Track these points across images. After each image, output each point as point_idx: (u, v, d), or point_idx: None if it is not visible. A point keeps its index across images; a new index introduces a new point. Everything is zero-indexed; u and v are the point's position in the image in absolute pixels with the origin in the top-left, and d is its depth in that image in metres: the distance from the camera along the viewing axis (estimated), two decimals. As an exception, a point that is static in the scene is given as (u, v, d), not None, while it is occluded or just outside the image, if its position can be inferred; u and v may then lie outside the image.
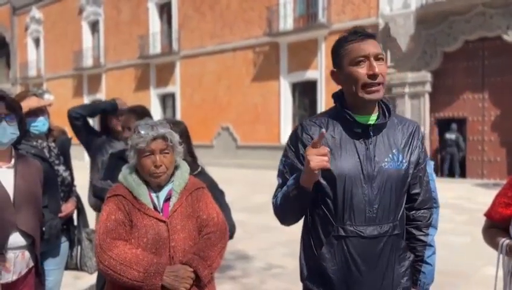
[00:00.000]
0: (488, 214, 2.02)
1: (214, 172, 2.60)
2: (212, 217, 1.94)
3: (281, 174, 1.71)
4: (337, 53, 1.62)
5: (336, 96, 1.68)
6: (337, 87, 1.69)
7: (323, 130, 1.48)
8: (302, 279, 1.74)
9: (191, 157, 2.41)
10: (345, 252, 1.59)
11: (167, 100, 20.73)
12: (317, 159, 1.44)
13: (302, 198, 1.58)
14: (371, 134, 1.60)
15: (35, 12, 26.10)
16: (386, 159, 1.59)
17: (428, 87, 13.27)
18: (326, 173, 1.56)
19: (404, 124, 1.68)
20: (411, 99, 13.44)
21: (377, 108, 1.65)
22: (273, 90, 16.53)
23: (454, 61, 13.07)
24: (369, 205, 1.58)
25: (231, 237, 2.28)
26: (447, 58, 13.11)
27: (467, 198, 9.61)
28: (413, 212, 1.70)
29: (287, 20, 16.07)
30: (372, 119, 1.62)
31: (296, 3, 16.31)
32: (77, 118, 3.27)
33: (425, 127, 13.29)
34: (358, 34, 1.58)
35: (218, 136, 18.23)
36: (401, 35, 13.36)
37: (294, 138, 1.68)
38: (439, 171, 13.57)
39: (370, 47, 1.56)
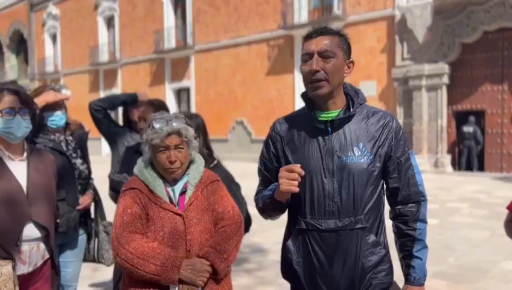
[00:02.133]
0: (510, 207, 1.97)
1: (228, 166, 2.59)
2: (228, 210, 1.94)
3: (259, 171, 1.83)
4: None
5: (305, 94, 1.72)
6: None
7: (303, 172, 1.55)
8: (282, 275, 1.83)
9: (207, 151, 2.41)
10: (307, 245, 1.65)
11: (182, 95, 20.81)
12: (287, 182, 1.54)
13: (278, 207, 1.70)
14: (329, 130, 1.64)
15: (52, 9, 26.40)
16: (349, 154, 1.61)
17: (445, 80, 13.03)
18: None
19: (375, 116, 1.68)
20: (428, 92, 13.23)
21: (343, 102, 1.68)
22: (287, 84, 16.46)
23: (473, 52, 12.81)
24: (329, 198, 1.61)
25: (247, 230, 2.28)
26: (465, 50, 12.86)
27: (486, 192, 9.45)
28: (400, 207, 1.70)
29: (301, 13, 15.94)
30: (332, 115, 1.65)
31: (311, -5, 16.18)
32: (98, 110, 3.30)
33: (443, 120, 13.09)
34: (313, 32, 1.63)
35: (233, 130, 18.25)
36: (418, 26, 13.13)
37: (268, 136, 1.79)
38: (457, 165, 13.38)
39: (314, 45, 1.60)
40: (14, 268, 1.89)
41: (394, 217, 1.72)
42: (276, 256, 5.20)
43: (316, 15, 15.92)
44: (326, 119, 1.64)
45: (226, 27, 18.25)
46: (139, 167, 1.92)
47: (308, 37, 1.64)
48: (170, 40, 20.32)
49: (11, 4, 29.49)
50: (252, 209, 2.46)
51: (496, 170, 12.77)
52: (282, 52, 16.64)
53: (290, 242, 1.71)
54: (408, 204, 1.69)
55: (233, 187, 2.34)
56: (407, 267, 1.70)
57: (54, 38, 27.11)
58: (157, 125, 1.82)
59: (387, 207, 1.74)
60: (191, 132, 1.89)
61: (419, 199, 1.69)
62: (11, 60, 30.71)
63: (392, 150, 1.66)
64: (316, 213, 1.62)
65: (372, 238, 1.65)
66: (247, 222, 2.27)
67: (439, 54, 13.06)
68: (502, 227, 1.93)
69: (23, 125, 2.00)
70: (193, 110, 19.10)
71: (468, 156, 13.17)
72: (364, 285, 1.64)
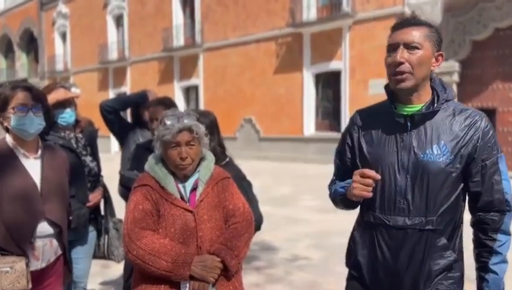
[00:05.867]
0: None
1: (239, 164, 2.59)
2: (238, 207, 1.93)
3: (334, 162, 1.81)
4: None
5: (387, 86, 1.67)
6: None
7: (378, 177, 1.54)
8: (346, 262, 1.82)
9: (220, 148, 2.40)
10: (373, 238, 1.63)
11: (191, 93, 20.85)
12: (360, 187, 1.53)
13: (349, 205, 1.70)
14: (409, 125, 1.58)
15: (62, 7, 26.58)
16: (426, 151, 1.54)
17: (456, 77, 12.91)
18: (364, 161, 1.65)
19: (462, 115, 1.59)
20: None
21: (428, 96, 1.60)
22: (296, 82, 16.41)
23: (484, 50, 12.67)
24: (400, 195, 1.56)
25: (259, 228, 2.27)
26: (476, 47, 12.72)
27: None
28: (480, 214, 1.59)
29: (310, 10, 15.87)
30: (414, 109, 1.59)
31: (320, -8, 16.10)
32: (110, 111, 3.31)
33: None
34: (402, 22, 1.57)
35: (241, 128, 18.24)
36: (428, 24, 13.02)
37: (347, 126, 1.77)
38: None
39: (400, 36, 1.54)
40: (27, 265, 1.91)
41: (473, 224, 1.62)
42: (285, 254, 5.21)
43: (324, 12, 15.84)
44: (406, 113, 1.58)
45: (235, 25, 18.24)
46: (150, 164, 1.92)
47: (395, 28, 1.57)
48: (179, 38, 20.36)
49: (21, 3, 29.73)
50: (263, 207, 2.46)
51: (508, 168, 12.62)
52: (291, 50, 16.58)
53: (357, 233, 1.70)
54: (490, 212, 1.57)
55: (245, 185, 2.33)
56: (480, 280, 1.59)
57: (63, 36, 27.30)
58: (168, 122, 1.83)
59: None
60: (202, 128, 1.89)
61: (503, 208, 1.56)
62: (22, 59, 30.98)
63: (477, 152, 1.55)
64: (386, 208, 1.58)
65: (442, 241, 1.57)
66: (259, 220, 2.26)
67: (450, 52, 12.93)
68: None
69: (35, 122, 2.01)
70: (202, 108, 19.14)
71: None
72: (430, 289, 1.58)
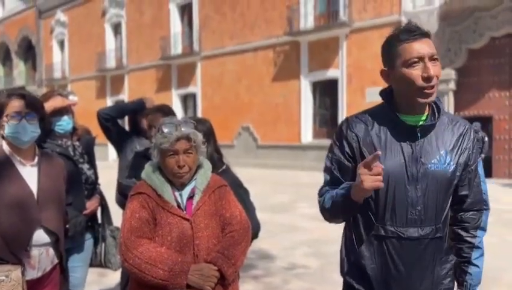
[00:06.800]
0: None
1: (235, 172, 2.59)
2: (235, 215, 1.93)
3: (328, 170, 1.70)
4: (389, 53, 1.58)
5: (384, 94, 1.66)
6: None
7: (379, 151, 1.44)
8: (342, 273, 1.74)
9: (217, 155, 2.40)
10: (384, 252, 1.59)
11: (188, 100, 20.88)
12: (370, 179, 1.42)
13: (352, 209, 1.59)
14: (419, 135, 1.57)
15: (60, 16, 26.66)
16: (432, 161, 1.56)
17: (452, 85, 12.99)
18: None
19: (455, 124, 1.63)
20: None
21: (427, 108, 1.61)
22: (293, 90, 16.46)
23: (480, 58, 12.76)
24: (412, 206, 1.56)
25: (256, 236, 2.26)
26: (472, 56, 12.82)
27: (493, 198, 9.34)
28: (462, 213, 1.67)
29: (307, 19, 15.98)
30: (422, 120, 1.59)
31: (317, 1, 16.21)
32: (107, 119, 3.31)
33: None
34: (413, 32, 1.52)
35: (239, 136, 18.26)
36: (424, 32, 13.11)
37: (339, 134, 1.67)
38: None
39: (425, 47, 1.51)
40: (23, 273, 1.89)
41: (453, 223, 1.68)
42: (283, 262, 5.19)
43: (322, 21, 15.95)
44: (415, 123, 1.57)
45: (232, 33, 18.32)
46: (147, 172, 1.92)
47: (407, 39, 1.52)
48: (177, 47, 20.43)
49: (20, 11, 29.81)
50: (260, 215, 2.45)
51: (504, 176, 12.66)
52: (288, 58, 16.66)
53: (364, 248, 1.62)
54: (470, 211, 1.66)
55: (242, 192, 2.33)
56: (463, 274, 1.68)
57: (61, 44, 27.35)
58: (166, 130, 1.83)
59: None
60: (199, 137, 1.89)
61: (482, 207, 1.67)
62: (19, 66, 31.00)
63: (471, 159, 1.63)
64: (397, 220, 1.56)
65: (445, 246, 1.63)
66: (256, 228, 2.26)
67: (446, 60, 13.01)
68: (510, 234, 1.92)
69: (29, 130, 2.00)
70: (199, 116, 19.13)
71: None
72: None
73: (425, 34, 1.54)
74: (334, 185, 1.66)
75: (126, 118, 3.68)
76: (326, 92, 16.08)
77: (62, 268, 2.17)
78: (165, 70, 21.18)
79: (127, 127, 3.64)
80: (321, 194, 1.71)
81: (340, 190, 1.59)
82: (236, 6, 18.19)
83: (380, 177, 1.43)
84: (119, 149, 3.40)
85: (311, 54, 16.03)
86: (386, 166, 1.51)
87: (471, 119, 13.07)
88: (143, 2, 21.96)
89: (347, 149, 1.63)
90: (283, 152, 16.60)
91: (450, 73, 12.92)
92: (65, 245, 2.20)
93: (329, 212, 1.66)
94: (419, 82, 1.50)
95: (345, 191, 1.55)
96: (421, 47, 1.51)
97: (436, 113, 1.60)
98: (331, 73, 15.53)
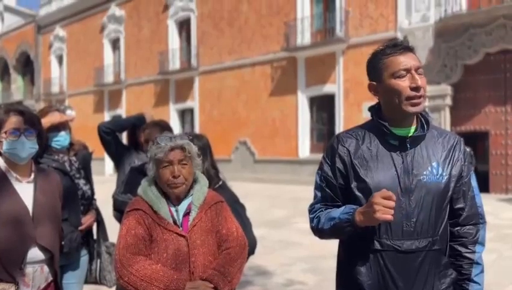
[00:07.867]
0: None
1: (231, 186, 2.58)
2: (232, 232, 1.92)
3: (319, 187, 1.69)
4: (375, 66, 1.63)
5: (373, 109, 1.68)
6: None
7: (394, 196, 1.44)
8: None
9: (213, 170, 2.40)
10: (381, 266, 1.57)
11: (186, 115, 20.92)
12: (383, 211, 1.42)
13: (354, 232, 1.56)
14: (408, 146, 1.58)
15: (59, 31, 26.82)
16: (424, 172, 1.57)
17: (448, 101, 13.06)
18: (362, 185, 1.57)
19: (444, 137, 1.66)
20: (431, 113, 13.18)
21: (415, 120, 1.63)
22: (291, 105, 16.52)
23: (475, 74, 12.87)
24: (407, 218, 1.55)
25: (252, 252, 2.25)
26: (467, 71, 12.92)
27: (491, 214, 9.34)
28: (458, 228, 1.65)
29: (304, 35, 16.11)
30: (406, 132, 1.60)
31: (314, 18, 16.38)
32: (107, 132, 3.31)
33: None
34: (398, 47, 1.58)
35: (236, 150, 18.25)
36: (420, 48, 13.22)
37: (331, 150, 1.67)
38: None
39: (411, 60, 1.56)
40: (16, 291, 1.87)
41: (451, 239, 1.66)
42: (280, 279, 5.14)
43: (318, 37, 16.09)
44: (405, 135, 1.59)
45: (230, 49, 18.45)
46: (143, 187, 1.91)
47: (393, 52, 1.57)
48: (175, 62, 20.54)
49: (18, 27, 29.99)
50: (257, 231, 2.44)
51: (501, 191, 12.66)
52: (286, 74, 16.76)
53: (360, 264, 1.59)
54: (466, 226, 1.65)
55: (238, 208, 2.32)
56: None
57: (60, 59, 27.46)
58: (161, 142, 1.84)
59: None
60: (194, 148, 1.90)
61: (478, 221, 1.66)
62: (17, 81, 31.06)
63: (464, 171, 1.64)
64: (392, 233, 1.55)
65: (444, 259, 1.61)
66: (253, 244, 2.24)
67: (442, 76, 13.12)
68: (509, 249, 1.91)
69: (27, 146, 2.00)
70: (197, 130, 19.15)
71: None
72: None
73: (409, 48, 1.59)
74: (326, 202, 1.66)
75: (125, 133, 3.68)
76: (323, 107, 16.14)
77: (57, 286, 2.14)
78: (163, 85, 21.26)
79: (125, 142, 3.64)
80: (313, 211, 1.69)
81: (344, 214, 1.55)
82: (234, 23, 18.35)
83: (392, 211, 1.43)
84: (118, 164, 3.39)
85: (308, 69, 16.14)
86: (378, 178, 1.54)
87: (468, 135, 13.15)
88: (142, 18, 22.14)
89: (338, 165, 1.63)
90: (280, 167, 16.58)
91: (446, 88, 13.01)
92: (60, 262, 2.18)
93: (328, 234, 1.63)
94: (408, 92, 1.54)
95: (349, 216, 1.53)
96: (406, 60, 1.56)
97: (425, 125, 1.63)
98: (328, 88, 15.62)
